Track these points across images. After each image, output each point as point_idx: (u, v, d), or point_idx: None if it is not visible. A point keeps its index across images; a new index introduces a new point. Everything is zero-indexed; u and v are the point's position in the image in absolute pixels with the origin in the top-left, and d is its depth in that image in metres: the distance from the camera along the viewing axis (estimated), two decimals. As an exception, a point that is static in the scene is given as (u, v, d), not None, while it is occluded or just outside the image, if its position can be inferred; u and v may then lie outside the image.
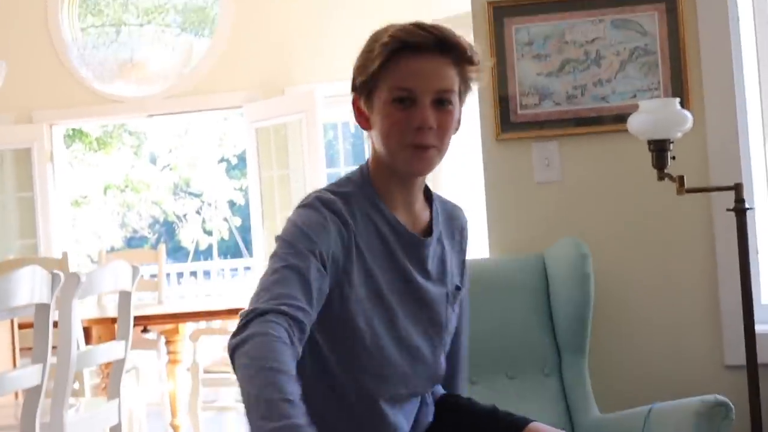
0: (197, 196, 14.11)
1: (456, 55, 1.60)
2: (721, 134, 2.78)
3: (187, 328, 4.89)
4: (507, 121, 2.88)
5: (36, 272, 2.33)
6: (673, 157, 2.50)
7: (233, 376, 4.72)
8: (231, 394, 5.32)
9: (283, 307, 1.41)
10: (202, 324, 5.13)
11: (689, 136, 2.58)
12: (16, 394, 3.21)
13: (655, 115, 2.47)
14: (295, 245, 1.49)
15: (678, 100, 2.52)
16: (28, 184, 6.72)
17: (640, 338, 2.82)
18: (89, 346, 4.10)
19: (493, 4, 2.88)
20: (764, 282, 2.85)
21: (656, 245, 2.82)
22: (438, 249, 1.71)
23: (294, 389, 1.32)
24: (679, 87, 2.79)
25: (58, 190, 6.83)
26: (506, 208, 2.90)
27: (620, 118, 2.72)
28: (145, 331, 5.32)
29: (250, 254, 8.72)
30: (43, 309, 2.38)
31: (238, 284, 9.03)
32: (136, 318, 3.51)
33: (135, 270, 2.95)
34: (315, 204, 1.56)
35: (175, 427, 4.84)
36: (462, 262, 1.80)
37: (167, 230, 14.39)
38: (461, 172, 3.99)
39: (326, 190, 1.62)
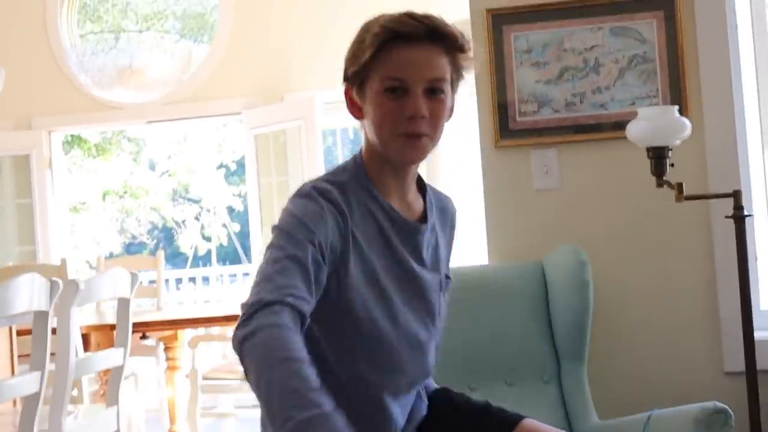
0: (196, 202, 14.11)
1: (447, 44, 1.60)
2: (719, 141, 2.78)
3: (185, 334, 4.89)
4: (506, 128, 2.88)
5: (34, 280, 2.33)
6: (672, 165, 2.50)
7: (232, 383, 4.70)
8: (230, 401, 5.32)
9: (288, 299, 1.40)
10: (201, 330, 5.13)
11: (688, 144, 2.58)
12: (15, 402, 3.20)
13: (653, 122, 2.48)
14: (293, 235, 1.49)
15: (677, 107, 2.52)
16: (26, 191, 6.72)
17: (639, 345, 2.82)
18: (88, 353, 4.10)
19: (491, 11, 2.88)
20: (763, 288, 2.86)
21: (655, 252, 2.83)
22: (432, 237, 1.72)
23: (317, 378, 1.32)
24: (677, 94, 2.80)
25: (57, 196, 6.83)
26: (505, 215, 2.90)
27: (619, 126, 2.72)
28: (143, 337, 5.32)
29: (249, 260, 8.72)
30: (41, 316, 2.38)
31: (237, 290, 9.03)
32: (135, 324, 3.51)
33: (134, 277, 2.95)
34: (311, 193, 1.56)
35: (173, 434, 4.84)
36: (449, 252, 1.81)
37: (166, 236, 14.38)
38: (460, 179, 3.99)
39: (321, 179, 1.62)
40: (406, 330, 1.64)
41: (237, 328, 1.40)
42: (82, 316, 4.57)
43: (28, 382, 2.34)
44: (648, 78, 2.82)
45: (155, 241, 14.24)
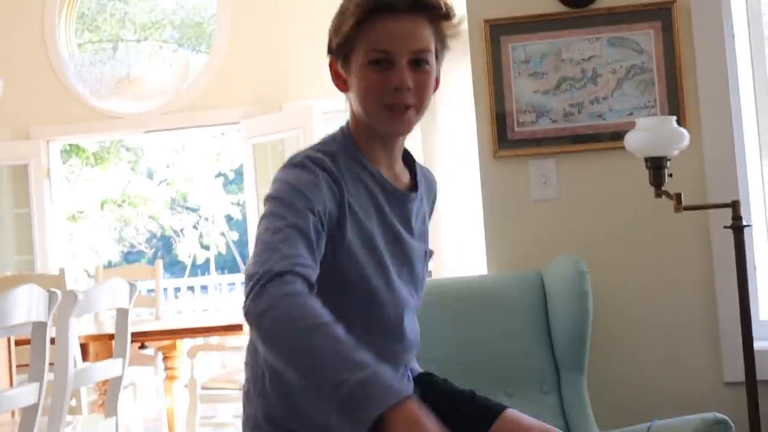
0: (194, 210, 14.11)
1: (432, 14, 1.60)
2: (717, 152, 2.79)
3: (184, 344, 4.88)
4: (504, 138, 2.89)
5: (33, 291, 2.33)
6: (670, 175, 2.51)
7: (231, 393, 4.68)
8: (229, 411, 5.31)
9: (297, 268, 1.39)
10: (200, 340, 5.12)
11: (686, 154, 2.59)
12: (13, 413, 3.20)
13: (652, 132, 2.48)
14: (292, 203, 1.48)
15: (674, 117, 2.53)
16: (24, 200, 6.72)
17: (638, 355, 2.82)
18: (86, 363, 4.09)
19: (489, 22, 2.89)
20: (762, 298, 2.86)
21: (654, 262, 2.83)
22: (420, 207, 1.72)
23: (352, 338, 1.31)
24: (675, 105, 2.80)
25: (55, 206, 6.83)
26: (504, 226, 2.90)
27: (617, 136, 2.73)
28: (142, 347, 5.31)
29: (248, 269, 8.69)
30: (40, 327, 2.38)
31: (236, 299, 9.01)
32: (134, 334, 3.50)
33: (132, 287, 2.95)
34: (305, 163, 1.55)
35: (172, 444, 4.83)
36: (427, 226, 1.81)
37: (164, 245, 14.38)
38: (459, 189, 3.99)
39: (312, 149, 1.61)
40: (399, 295, 1.65)
41: (250, 300, 1.36)
42: (81, 326, 4.56)
43: (26, 393, 2.33)
44: (646, 88, 2.83)
45: (153, 249, 14.24)
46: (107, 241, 13.60)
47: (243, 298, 1.40)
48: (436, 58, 1.62)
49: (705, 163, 2.79)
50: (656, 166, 2.50)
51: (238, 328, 4.13)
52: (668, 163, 2.50)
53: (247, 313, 1.37)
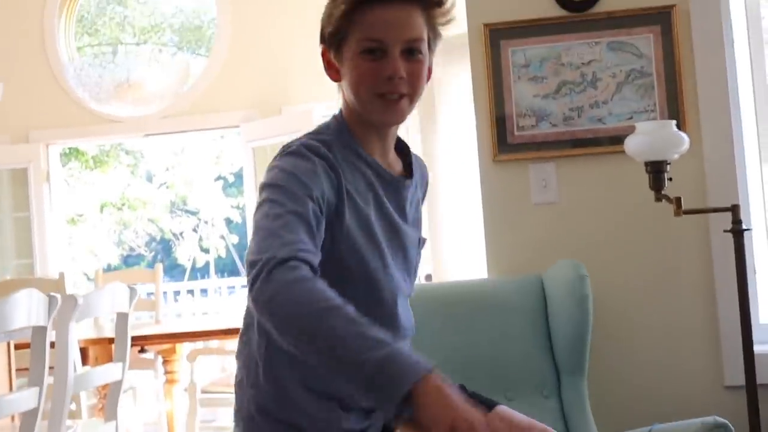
0: (194, 213, 14.11)
1: (424, 2, 1.59)
2: (717, 156, 2.79)
3: (184, 348, 4.88)
4: (504, 142, 2.89)
5: (33, 295, 2.33)
6: (670, 179, 2.51)
7: (231, 396, 4.68)
8: (229, 414, 5.30)
9: (300, 254, 1.38)
10: (200, 344, 5.12)
11: (686, 158, 2.59)
12: (13, 417, 3.20)
13: (651, 136, 2.49)
14: (291, 190, 1.47)
15: (674, 122, 2.53)
16: (24, 204, 6.72)
17: (639, 359, 2.82)
18: (86, 367, 4.09)
19: (489, 26, 2.89)
20: (762, 302, 2.86)
21: (654, 266, 2.83)
22: (414, 194, 1.72)
23: (364, 318, 1.32)
24: (675, 109, 2.81)
25: (55, 209, 6.83)
26: (504, 230, 2.90)
27: (617, 140, 2.73)
28: (142, 351, 5.31)
29: (247, 272, 8.68)
30: (40, 332, 2.38)
31: (235, 302, 9.02)
32: (134, 338, 3.51)
33: (132, 292, 2.95)
34: (301, 150, 1.54)
35: (172, 448, 4.83)
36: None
37: (164, 248, 14.38)
38: (459, 193, 3.99)
39: (307, 137, 1.60)
40: (395, 281, 1.64)
41: (258, 288, 1.35)
42: (81, 330, 4.56)
43: (26, 398, 2.33)
44: (645, 92, 2.83)
45: (153, 253, 14.24)
46: (107, 244, 13.60)
47: (248, 285, 1.38)
48: (429, 47, 1.61)
49: (705, 167, 2.80)
50: (656, 170, 2.50)
51: (237, 331, 4.12)
52: (668, 167, 2.50)
53: (256, 301, 1.36)
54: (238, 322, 1.73)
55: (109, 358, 4.09)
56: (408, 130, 5.80)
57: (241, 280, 10.17)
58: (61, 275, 4.86)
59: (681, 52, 2.81)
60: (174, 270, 13.60)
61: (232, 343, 4.94)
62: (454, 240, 4.07)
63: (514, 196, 2.89)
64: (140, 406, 5.32)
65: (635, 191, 2.73)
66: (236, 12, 6.58)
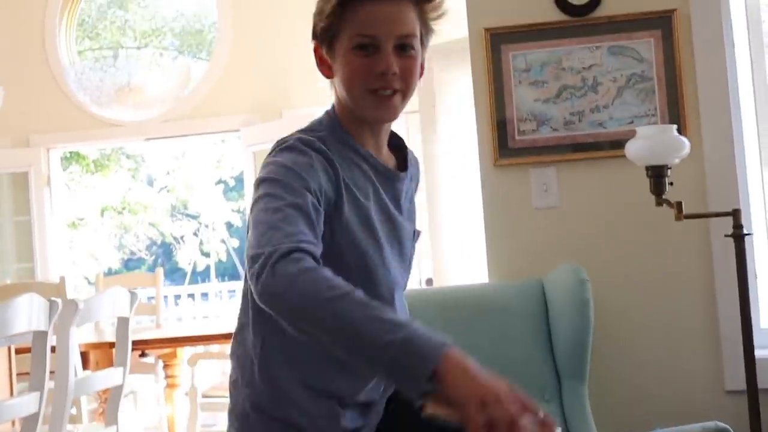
0: (195, 217, 14.11)
1: None
2: (718, 160, 2.79)
3: (185, 352, 4.88)
4: (505, 146, 2.89)
5: (33, 300, 2.33)
6: (671, 183, 2.51)
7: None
8: (229, 419, 5.29)
9: (303, 245, 1.37)
10: (200, 348, 5.12)
11: (687, 162, 2.59)
12: (14, 422, 3.19)
13: (652, 141, 2.49)
14: (288, 183, 1.46)
15: (675, 126, 2.53)
16: (25, 208, 6.72)
17: (640, 363, 2.82)
18: (87, 372, 4.09)
19: (490, 30, 2.89)
20: (763, 307, 2.86)
21: (655, 270, 2.83)
22: (409, 187, 1.72)
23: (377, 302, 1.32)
24: (676, 113, 2.81)
25: (55, 213, 6.83)
26: (504, 234, 2.90)
27: (618, 144, 2.73)
28: (143, 355, 5.30)
29: (248, 276, 8.68)
30: (40, 336, 2.38)
31: (236, 306, 8.97)
32: (134, 342, 3.50)
33: (133, 296, 2.95)
34: (297, 145, 1.53)
35: (172, 452, 4.82)
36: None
37: (165, 252, 14.38)
38: (459, 197, 3.99)
39: (301, 133, 1.59)
40: (392, 276, 1.64)
41: (264, 282, 1.34)
42: (81, 334, 4.56)
43: (27, 403, 2.33)
44: (646, 97, 2.83)
45: (154, 256, 14.24)
46: (107, 248, 13.60)
47: (251, 280, 1.37)
48: (422, 43, 1.61)
49: (705, 171, 2.80)
50: (657, 175, 2.50)
51: (238, 336, 4.12)
52: (669, 171, 2.50)
53: (262, 295, 1.34)
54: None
55: (110, 363, 4.08)
56: (408, 133, 5.81)
57: (242, 284, 10.15)
58: (62, 279, 4.85)
59: (682, 57, 2.81)
60: (175, 274, 13.60)
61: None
62: (455, 244, 4.07)
63: (515, 200, 2.89)
64: (141, 410, 5.32)
65: (636, 195, 2.73)
66: (237, 16, 6.58)
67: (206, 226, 13.81)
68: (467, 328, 2.64)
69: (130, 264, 14.01)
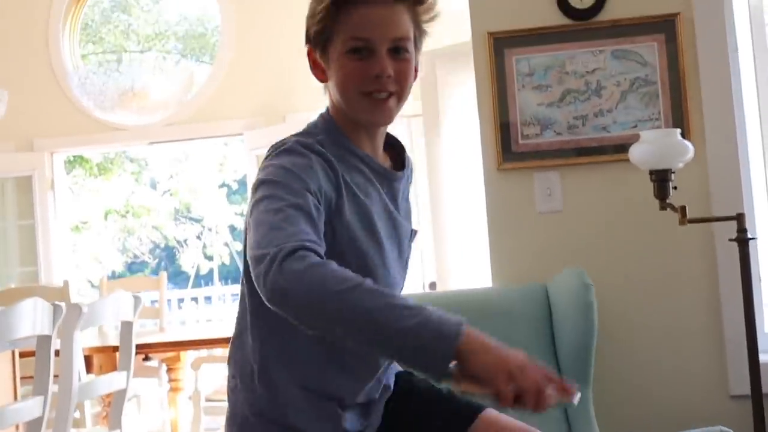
0: (198, 221, 14.12)
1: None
2: (722, 164, 2.79)
3: (188, 356, 4.88)
4: (508, 150, 2.89)
5: (38, 304, 2.33)
6: (675, 188, 2.51)
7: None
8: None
9: (307, 243, 1.37)
10: (204, 352, 5.12)
11: (690, 167, 2.59)
12: (17, 426, 3.19)
13: (656, 145, 2.48)
14: (288, 185, 1.45)
15: (679, 130, 2.53)
16: (29, 212, 6.72)
17: (643, 368, 2.81)
18: (90, 376, 4.09)
19: (493, 34, 2.89)
20: None
21: (659, 275, 2.82)
22: (405, 186, 1.72)
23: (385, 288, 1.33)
24: (679, 117, 2.80)
25: (59, 217, 6.84)
26: (508, 238, 2.90)
27: (621, 148, 2.73)
28: (146, 359, 5.30)
29: (251, 280, 8.67)
30: (44, 341, 2.38)
31: (239, 310, 8.95)
32: (138, 346, 3.50)
33: (137, 300, 2.96)
34: (296, 148, 1.53)
35: (176, 456, 4.82)
36: None
37: (168, 255, 14.38)
38: (463, 201, 3.99)
39: (298, 137, 1.59)
40: (391, 276, 1.64)
41: (271, 281, 1.32)
42: (85, 338, 4.56)
43: (31, 407, 2.34)
44: (650, 101, 2.83)
45: (157, 260, 14.24)
46: (111, 251, 13.61)
47: (257, 281, 1.36)
48: (415, 45, 1.60)
49: (709, 175, 2.79)
50: (661, 179, 2.50)
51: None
52: (673, 175, 2.50)
53: (272, 294, 1.33)
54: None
55: (114, 366, 4.09)
56: (412, 137, 5.81)
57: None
58: (66, 283, 4.86)
59: (685, 61, 2.81)
60: (178, 277, 13.61)
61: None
62: (459, 248, 4.06)
63: (519, 204, 2.89)
64: (144, 414, 5.32)
65: (640, 200, 2.73)
66: (240, 20, 6.59)
67: (209, 230, 13.81)
68: (471, 333, 2.64)
69: (134, 267, 14.02)
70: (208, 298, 10.00)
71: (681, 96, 2.81)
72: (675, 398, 2.79)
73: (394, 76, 1.56)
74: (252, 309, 1.58)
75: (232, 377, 1.64)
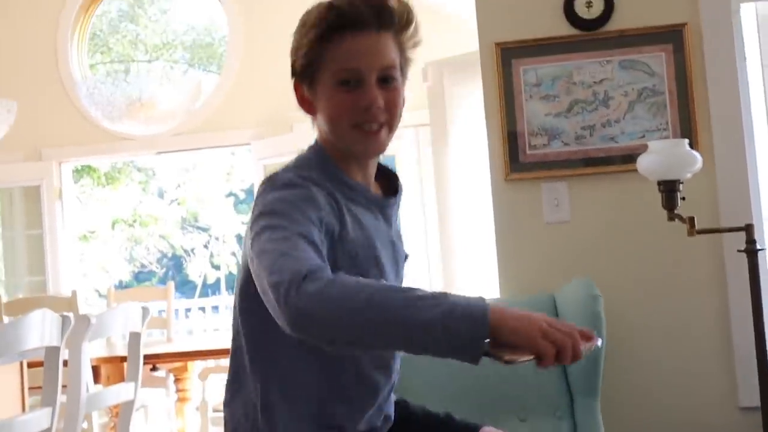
0: (205, 230, 14.13)
1: (395, 27, 1.57)
2: (730, 175, 2.78)
3: (196, 366, 4.88)
4: (516, 161, 2.89)
5: (46, 316, 2.33)
6: (683, 198, 2.50)
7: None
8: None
9: (317, 266, 1.36)
10: (211, 362, 5.11)
11: (699, 177, 2.58)
12: (25, 437, 3.19)
13: (664, 155, 2.48)
14: (290, 215, 1.44)
15: (687, 140, 2.53)
16: (37, 222, 6.74)
17: (652, 380, 2.80)
18: (98, 386, 4.09)
19: (500, 45, 2.89)
20: (776, 322, 2.84)
21: (667, 286, 2.81)
22: (396, 212, 1.72)
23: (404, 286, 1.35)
24: (687, 127, 2.80)
25: (67, 227, 6.85)
26: (516, 249, 2.90)
27: (629, 159, 2.73)
28: (154, 369, 5.30)
29: (258, 289, 8.66)
30: (53, 352, 2.38)
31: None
32: (146, 356, 3.51)
33: (145, 311, 2.96)
34: (295, 181, 1.52)
35: (183, 467, 4.82)
36: None
37: (175, 264, 14.39)
38: (470, 212, 3.99)
39: (293, 172, 1.56)
40: None
41: (293, 304, 1.31)
42: (93, 348, 4.56)
43: (39, 419, 2.33)
44: (658, 111, 2.82)
45: (164, 269, 14.25)
46: (118, 260, 13.63)
47: (277, 307, 1.34)
48: (401, 73, 1.60)
49: (718, 186, 2.79)
50: (669, 190, 2.49)
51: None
52: (681, 186, 2.49)
53: (296, 317, 1.32)
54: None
55: (121, 376, 4.09)
56: (419, 146, 5.81)
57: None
58: (74, 293, 4.86)
59: (693, 70, 2.81)
60: (185, 286, 13.61)
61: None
62: (466, 259, 4.06)
63: (527, 215, 2.89)
64: (152, 424, 5.32)
65: (648, 210, 2.73)
66: (247, 29, 6.60)
67: (216, 239, 13.83)
68: (479, 343, 2.63)
69: (141, 276, 14.03)
70: (215, 308, 9.99)
71: (689, 106, 2.80)
72: (684, 410, 2.77)
73: (384, 106, 1.55)
74: (249, 346, 1.57)
75: (230, 422, 1.61)
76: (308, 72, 1.59)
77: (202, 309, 9.89)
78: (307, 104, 1.62)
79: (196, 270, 13.79)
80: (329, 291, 1.32)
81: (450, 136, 4.10)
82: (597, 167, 2.85)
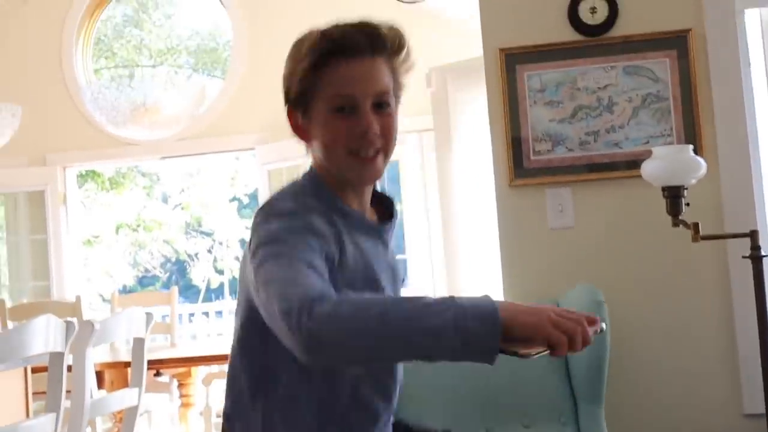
0: (209, 235, 14.14)
1: (388, 52, 1.57)
2: (735, 181, 2.78)
3: (199, 371, 4.87)
4: (520, 167, 2.88)
5: (50, 321, 2.33)
6: (688, 204, 2.50)
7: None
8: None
9: (324, 290, 1.37)
10: (215, 368, 5.11)
11: (703, 183, 2.58)
12: (29, 442, 3.19)
13: (668, 161, 2.48)
14: (294, 244, 1.44)
15: (691, 146, 2.52)
16: (41, 226, 6.75)
17: (657, 386, 2.80)
18: (102, 392, 4.10)
19: (505, 51, 2.89)
20: (781, 328, 2.83)
21: (672, 292, 2.81)
22: (390, 235, 1.72)
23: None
24: (692, 133, 2.80)
25: (71, 231, 6.86)
26: (520, 255, 2.90)
27: (633, 164, 2.73)
28: (157, 374, 5.30)
29: (262, 294, 8.66)
30: (57, 357, 2.38)
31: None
32: (149, 362, 3.50)
33: (149, 317, 2.96)
34: (295, 210, 1.52)
35: (187, 472, 4.81)
36: None
37: (179, 269, 14.40)
38: (474, 218, 3.99)
39: (291, 201, 1.56)
40: None
41: (306, 330, 1.31)
42: (96, 353, 4.57)
43: (43, 425, 2.33)
44: (662, 117, 2.82)
45: (168, 274, 14.26)
46: (122, 265, 13.64)
47: (290, 333, 1.34)
48: (395, 99, 1.60)
49: (722, 192, 2.78)
50: (673, 195, 2.49)
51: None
52: (685, 192, 2.49)
53: (309, 341, 1.32)
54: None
55: (125, 382, 4.09)
56: (423, 152, 5.81)
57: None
58: (78, 299, 4.86)
59: (697, 76, 2.80)
60: (188, 291, 13.62)
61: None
62: (470, 265, 4.05)
63: (531, 220, 2.88)
64: (155, 429, 5.31)
65: (652, 216, 2.72)
66: (252, 34, 6.61)
67: (220, 244, 13.84)
68: (483, 349, 2.63)
69: (145, 281, 14.04)
70: (219, 312, 10.00)
71: (693, 112, 2.80)
72: (688, 416, 2.77)
73: (379, 131, 1.55)
74: (250, 380, 1.57)
75: None
76: (303, 99, 1.58)
77: (206, 314, 9.89)
78: (301, 131, 1.62)
79: (200, 275, 13.80)
80: (340, 311, 1.32)
81: (454, 142, 4.10)
82: (601, 173, 2.85)
